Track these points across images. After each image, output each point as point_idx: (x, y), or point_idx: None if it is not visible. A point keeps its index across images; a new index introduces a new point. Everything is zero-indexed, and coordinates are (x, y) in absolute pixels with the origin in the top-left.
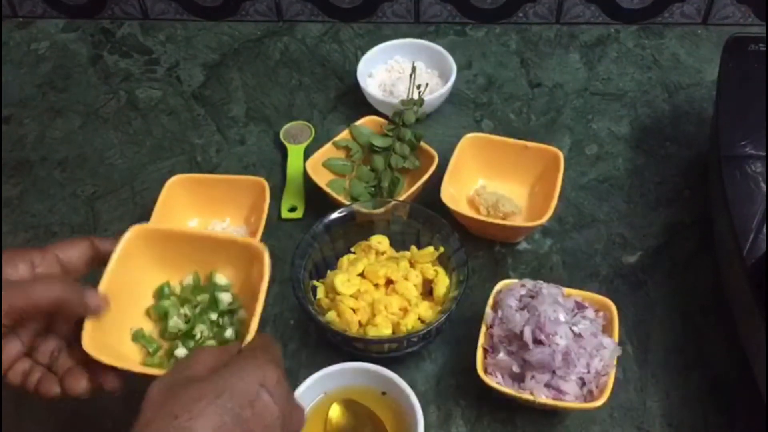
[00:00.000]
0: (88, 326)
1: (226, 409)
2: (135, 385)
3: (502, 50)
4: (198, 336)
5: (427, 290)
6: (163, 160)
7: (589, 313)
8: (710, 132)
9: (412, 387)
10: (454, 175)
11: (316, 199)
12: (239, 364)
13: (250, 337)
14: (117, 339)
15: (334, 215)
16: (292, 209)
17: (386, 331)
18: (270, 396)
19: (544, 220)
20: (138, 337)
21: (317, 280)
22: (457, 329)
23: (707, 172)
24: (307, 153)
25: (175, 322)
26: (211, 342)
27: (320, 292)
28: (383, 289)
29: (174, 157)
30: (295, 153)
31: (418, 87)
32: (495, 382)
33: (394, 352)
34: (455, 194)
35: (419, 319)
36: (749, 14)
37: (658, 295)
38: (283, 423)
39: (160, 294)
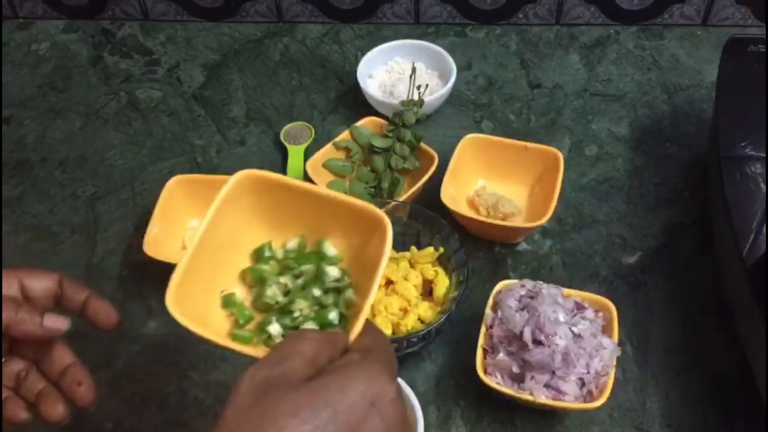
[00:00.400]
0: (174, 282)
1: (326, 421)
2: (135, 387)
3: (502, 51)
4: (297, 314)
5: (427, 291)
6: (163, 160)
7: (589, 313)
8: (710, 133)
9: (412, 387)
10: (454, 175)
11: None
12: (347, 373)
13: (358, 326)
14: (205, 302)
15: None
16: None
17: (386, 331)
18: (381, 420)
19: (543, 220)
20: (229, 303)
21: None
22: (457, 330)
23: (707, 173)
24: (308, 154)
25: (273, 292)
26: (311, 324)
27: None
28: (383, 289)
29: (174, 158)
30: (295, 154)
31: (418, 88)
32: (495, 382)
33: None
34: (455, 195)
35: (419, 319)
36: (749, 15)
37: (657, 295)
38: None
39: (259, 255)
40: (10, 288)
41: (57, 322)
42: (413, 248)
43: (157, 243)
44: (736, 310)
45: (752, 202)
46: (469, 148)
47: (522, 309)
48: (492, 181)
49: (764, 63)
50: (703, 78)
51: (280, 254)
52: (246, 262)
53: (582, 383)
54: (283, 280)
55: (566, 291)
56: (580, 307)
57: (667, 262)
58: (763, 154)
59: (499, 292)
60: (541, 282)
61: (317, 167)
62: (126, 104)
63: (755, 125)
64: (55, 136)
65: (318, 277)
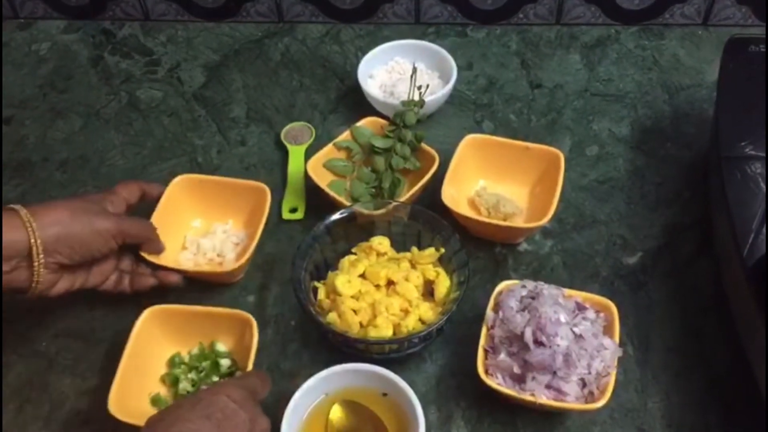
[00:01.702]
0: (114, 392)
1: (202, 414)
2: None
3: (503, 51)
4: None
5: (428, 291)
6: (164, 161)
7: (590, 314)
8: (711, 133)
9: (413, 388)
10: (454, 176)
11: (317, 200)
12: (210, 388)
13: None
14: (138, 402)
15: (335, 216)
16: (293, 210)
17: (387, 332)
18: (236, 404)
19: (544, 221)
20: (156, 401)
21: (318, 281)
22: (458, 330)
23: (707, 173)
24: (308, 154)
25: (184, 386)
26: None
27: (321, 293)
28: (384, 290)
29: (175, 158)
30: (296, 154)
31: (419, 88)
32: (496, 383)
33: (395, 353)
34: (456, 195)
35: (420, 320)
36: (750, 15)
37: (658, 295)
38: (251, 428)
39: (172, 363)
40: (122, 204)
41: (162, 246)
42: (414, 249)
43: None
44: (736, 310)
45: (753, 202)
46: (470, 148)
47: (523, 310)
48: (493, 182)
49: (765, 63)
50: (703, 78)
51: (186, 359)
52: (164, 369)
53: (583, 384)
54: (191, 376)
55: (567, 291)
56: (581, 307)
57: (668, 263)
58: (764, 154)
59: (500, 292)
60: (542, 282)
61: (318, 167)
62: (127, 104)
63: (756, 125)
64: (56, 136)
65: (215, 368)
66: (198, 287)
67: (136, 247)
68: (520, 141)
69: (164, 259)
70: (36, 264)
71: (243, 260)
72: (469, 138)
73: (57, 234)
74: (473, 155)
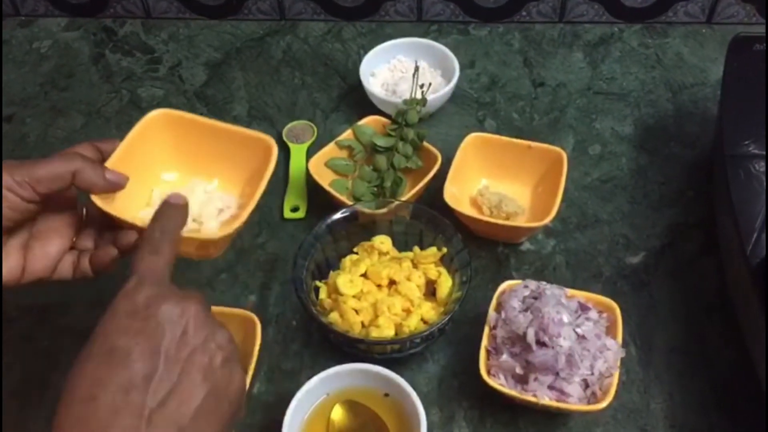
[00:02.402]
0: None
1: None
2: None
3: (506, 49)
4: None
5: (430, 291)
6: None
7: (593, 314)
8: (714, 132)
9: (415, 388)
10: (457, 175)
11: (319, 199)
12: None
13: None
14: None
15: (337, 215)
16: (295, 209)
17: (389, 332)
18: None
19: (547, 220)
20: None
21: (320, 281)
22: (460, 330)
23: (711, 172)
24: (310, 153)
25: None
26: None
27: (323, 293)
28: (386, 289)
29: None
30: (297, 153)
31: (421, 86)
32: (498, 383)
33: (397, 353)
34: (458, 194)
35: (422, 320)
36: (754, 13)
37: (661, 296)
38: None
39: None
40: (86, 150)
41: (116, 175)
42: (416, 248)
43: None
44: (740, 310)
45: (757, 201)
46: (472, 147)
47: (525, 310)
48: (495, 181)
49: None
50: (707, 76)
51: None
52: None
53: (586, 384)
54: None
55: (570, 291)
56: (583, 307)
57: (671, 262)
58: (764, 152)
59: (503, 292)
60: (544, 282)
61: (320, 166)
62: (128, 102)
63: (760, 124)
64: (57, 134)
65: None
66: (190, 281)
67: (99, 219)
68: (523, 140)
69: (124, 215)
70: None
71: (229, 230)
72: (472, 137)
73: None
74: (475, 154)
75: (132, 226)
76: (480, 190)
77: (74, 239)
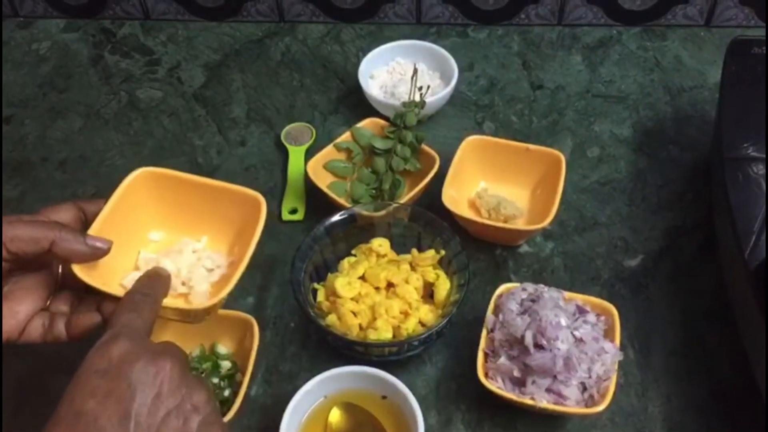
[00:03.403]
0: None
1: None
2: None
3: (504, 52)
4: None
5: (428, 293)
6: (163, 161)
7: (591, 317)
8: (713, 134)
9: (413, 391)
10: (455, 177)
11: (317, 201)
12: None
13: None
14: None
15: (335, 218)
16: (293, 211)
17: (387, 334)
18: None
19: (545, 223)
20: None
21: (318, 283)
22: (458, 333)
23: (710, 175)
24: (308, 155)
25: None
26: None
27: (321, 295)
28: (384, 292)
29: (175, 158)
30: (296, 155)
31: (420, 89)
32: (496, 386)
33: (395, 356)
34: (456, 197)
35: (420, 322)
36: (752, 16)
37: (659, 299)
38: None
39: None
40: (69, 212)
41: (99, 241)
42: (414, 251)
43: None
44: (738, 314)
45: (755, 204)
46: (471, 149)
47: (523, 313)
48: (494, 183)
49: (766, 65)
50: (706, 79)
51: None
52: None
53: (583, 388)
54: None
55: (568, 294)
56: (581, 310)
57: (670, 265)
58: (764, 155)
59: (501, 295)
60: (542, 285)
61: (318, 168)
62: (126, 104)
63: (759, 127)
64: (56, 136)
65: (215, 369)
66: None
67: (74, 280)
68: (521, 142)
69: (108, 282)
70: None
71: (220, 296)
72: (470, 139)
73: None
74: (474, 157)
75: (116, 299)
76: (478, 192)
77: (48, 301)
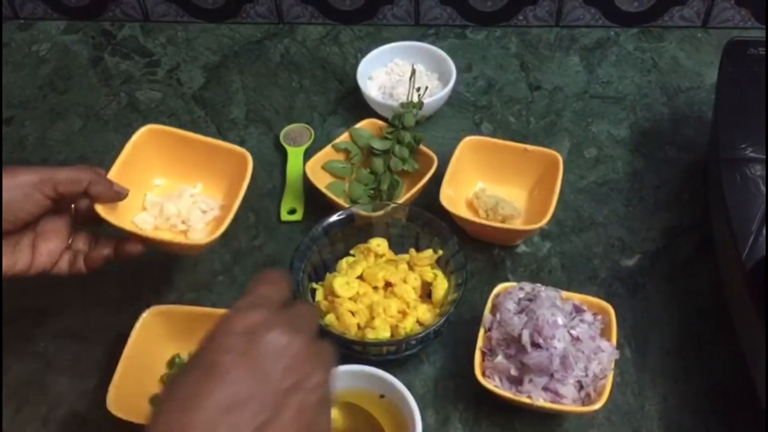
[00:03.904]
0: (113, 390)
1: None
2: None
3: (502, 53)
4: None
5: (426, 293)
6: None
7: (588, 316)
8: (710, 135)
9: (411, 390)
10: (453, 177)
11: (316, 202)
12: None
13: None
14: (137, 402)
15: (334, 218)
16: (292, 212)
17: (385, 333)
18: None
19: (542, 223)
20: (155, 401)
21: (316, 283)
22: (456, 332)
23: (706, 176)
24: (307, 155)
25: None
26: None
27: (319, 295)
28: (382, 291)
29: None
30: (294, 155)
31: (418, 90)
32: (493, 385)
33: (393, 355)
34: (454, 197)
35: (418, 322)
36: (749, 17)
37: (656, 298)
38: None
39: (172, 364)
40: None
41: (122, 188)
42: (412, 250)
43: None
44: (735, 313)
45: (752, 205)
46: (469, 149)
47: (520, 312)
48: (491, 183)
49: (764, 65)
50: (703, 80)
51: (186, 359)
52: (163, 370)
53: (580, 386)
54: None
55: (565, 294)
56: (578, 309)
57: (667, 265)
58: (763, 156)
59: (498, 294)
60: (539, 285)
61: (316, 169)
62: (126, 105)
63: (755, 127)
64: (56, 137)
65: None
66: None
67: (92, 216)
68: (519, 143)
69: (121, 220)
70: None
71: (216, 235)
72: (468, 140)
73: None
74: (472, 157)
75: (131, 233)
76: (476, 192)
77: (70, 240)
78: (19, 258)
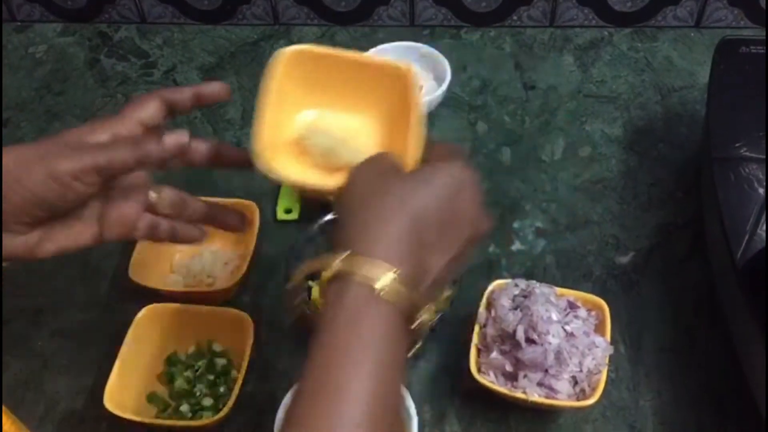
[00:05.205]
0: (110, 388)
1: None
2: None
3: (497, 53)
4: (198, 393)
5: None
6: None
7: (582, 312)
8: (702, 134)
9: (406, 386)
10: (273, 111)
11: (311, 201)
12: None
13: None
14: (134, 398)
15: (329, 216)
16: (288, 211)
17: None
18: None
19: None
20: (152, 398)
21: (312, 281)
22: (451, 329)
23: (699, 174)
24: None
25: (180, 384)
26: (208, 399)
27: (315, 293)
28: None
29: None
30: None
31: None
32: (488, 381)
33: None
34: (274, 139)
35: None
36: (742, 17)
37: (650, 295)
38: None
39: (168, 361)
40: (136, 129)
41: (178, 137)
42: None
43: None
44: (728, 311)
45: (744, 203)
46: (289, 67)
47: (515, 308)
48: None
49: (756, 64)
50: (696, 79)
51: (183, 358)
52: (160, 367)
53: (575, 381)
54: (186, 374)
55: (559, 290)
56: (572, 306)
57: (660, 262)
58: (756, 155)
59: (493, 291)
60: (534, 281)
61: None
62: (123, 107)
63: (747, 126)
64: None
65: (211, 366)
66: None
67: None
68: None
69: (152, 283)
70: None
71: (237, 278)
72: (287, 52)
73: None
74: (295, 77)
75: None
76: (302, 133)
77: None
78: (80, 232)
